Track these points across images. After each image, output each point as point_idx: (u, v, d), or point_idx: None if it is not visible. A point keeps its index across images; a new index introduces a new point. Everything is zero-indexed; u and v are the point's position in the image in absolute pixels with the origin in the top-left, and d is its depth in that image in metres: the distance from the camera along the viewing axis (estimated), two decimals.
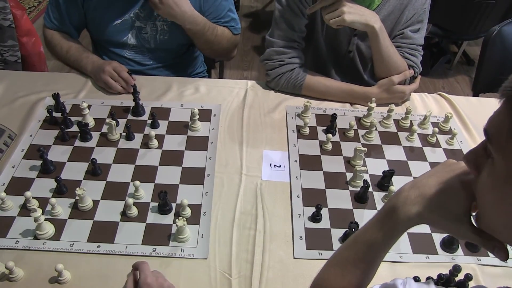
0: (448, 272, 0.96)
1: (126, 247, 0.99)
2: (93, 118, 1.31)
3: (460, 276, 0.96)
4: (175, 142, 1.27)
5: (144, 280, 0.83)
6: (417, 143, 1.35)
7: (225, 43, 1.60)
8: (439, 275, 0.97)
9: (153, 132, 1.23)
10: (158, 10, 1.38)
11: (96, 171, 1.15)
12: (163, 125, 1.32)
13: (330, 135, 1.28)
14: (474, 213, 0.63)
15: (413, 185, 0.69)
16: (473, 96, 1.90)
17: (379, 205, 1.15)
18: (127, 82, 1.40)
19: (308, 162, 1.25)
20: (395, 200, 0.69)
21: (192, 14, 1.43)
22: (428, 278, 0.96)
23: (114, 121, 1.23)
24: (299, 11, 1.37)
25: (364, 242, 0.73)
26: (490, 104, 1.55)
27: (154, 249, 0.99)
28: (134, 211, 1.06)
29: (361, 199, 1.15)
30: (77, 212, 1.06)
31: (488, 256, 1.05)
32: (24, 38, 2.20)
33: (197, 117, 1.29)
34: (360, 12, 1.27)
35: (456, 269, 0.94)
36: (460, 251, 1.06)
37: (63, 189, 1.10)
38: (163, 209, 1.07)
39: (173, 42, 1.55)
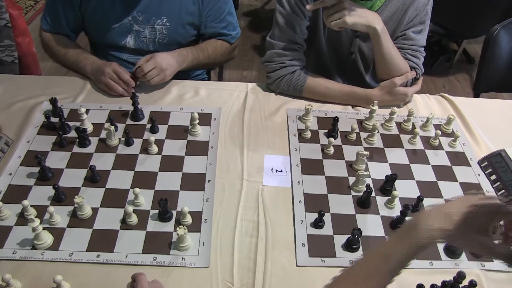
0: (452, 279, 0.94)
1: (126, 256, 0.98)
2: (92, 123, 1.29)
3: (464, 283, 0.94)
4: (175, 147, 1.25)
5: None
6: (419, 145, 1.33)
7: (220, 57, 1.62)
8: (443, 282, 0.96)
9: (152, 138, 1.21)
10: (166, 78, 1.41)
11: (95, 178, 1.13)
12: (162, 129, 1.30)
13: (332, 139, 1.26)
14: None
15: (436, 206, 0.71)
16: (474, 95, 1.89)
17: (382, 210, 1.13)
18: (128, 84, 1.38)
19: (310, 167, 1.23)
20: (417, 218, 0.70)
21: (179, 56, 1.45)
22: (432, 286, 0.94)
23: (112, 127, 1.22)
24: (300, 12, 1.35)
25: (379, 254, 0.71)
26: (492, 106, 1.54)
27: (154, 258, 0.98)
28: (134, 219, 1.04)
29: (363, 204, 1.14)
30: (76, 220, 1.04)
31: (492, 261, 1.03)
32: (20, 38, 2.19)
33: (197, 121, 1.28)
34: (361, 13, 1.25)
35: (460, 276, 0.93)
36: (464, 256, 1.04)
37: (62, 196, 1.08)
38: (164, 217, 1.05)
39: (172, 45, 1.53)
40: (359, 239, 1.02)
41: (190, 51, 1.50)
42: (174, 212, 1.07)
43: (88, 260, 0.97)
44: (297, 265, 1.00)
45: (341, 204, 1.14)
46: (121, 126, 1.30)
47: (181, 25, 1.51)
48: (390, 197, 1.14)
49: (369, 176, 1.20)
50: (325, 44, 1.47)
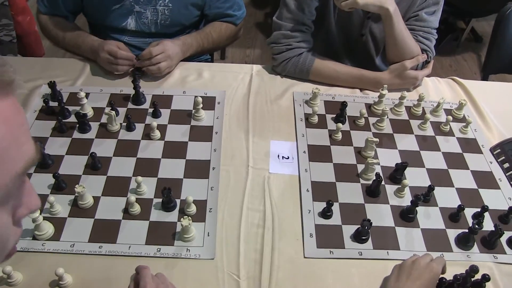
0: (464, 272, 0.92)
1: (129, 247, 0.95)
2: (92, 108, 1.25)
3: (477, 277, 0.92)
4: (178, 133, 1.21)
5: None
6: (429, 131, 1.29)
7: (225, 41, 1.57)
8: (455, 277, 0.93)
9: (155, 123, 1.17)
10: (171, 67, 1.39)
11: (96, 165, 1.10)
12: (165, 114, 1.26)
13: (340, 124, 1.22)
14: None
15: None
16: (482, 77, 1.84)
17: (392, 199, 1.10)
18: (127, 59, 1.32)
19: (318, 153, 1.20)
20: None
21: (184, 45, 1.41)
22: (442, 279, 0.92)
23: (113, 112, 1.17)
24: None
25: None
26: (506, 90, 1.49)
27: (158, 249, 0.95)
28: (136, 209, 1.01)
29: (373, 193, 1.10)
30: (77, 210, 1.01)
31: (505, 253, 1.01)
32: (20, 17, 2.12)
33: (201, 105, 1.23)
34: None
35: (473, 269, 0.90)
36: (476, 248, 1.02)
37: (62, 185, 1.05)
38: (167, 206, 1.02)
39: (174, 27, 1.47)
40: (369, 230, 0.99)
41: (195, 39, 1.45)
42: (178, 201, 1.04)
43: (90, 251, 0.94)
44: (304, 257, 0.97)
45: (350, 192, 1.11)
46: (122, 111, 1.26)
47: (184, 6, 1.44)
48: (400, 186, 1.11)
49: (378, 164, 1.17)
50: (334, 25, 1.41)
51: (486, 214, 1.07)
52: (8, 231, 0.45)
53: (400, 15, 1.26)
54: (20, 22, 2.12)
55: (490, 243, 1.02)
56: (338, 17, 1.38)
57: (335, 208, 1.06)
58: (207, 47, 1.51)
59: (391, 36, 1.28)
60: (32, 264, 0.92)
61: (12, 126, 0.42)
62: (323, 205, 1.04)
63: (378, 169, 1.16)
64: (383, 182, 1.12)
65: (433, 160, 1.21)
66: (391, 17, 1.23)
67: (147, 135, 1.19)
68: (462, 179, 1.16)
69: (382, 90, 1.30)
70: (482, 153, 1.24)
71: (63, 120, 1.19)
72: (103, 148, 1.15)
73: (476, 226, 0.99)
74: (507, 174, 1.18)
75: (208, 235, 0.98)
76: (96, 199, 1.04)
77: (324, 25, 1.41)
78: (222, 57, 2.63)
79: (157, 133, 1.19)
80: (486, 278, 0.90)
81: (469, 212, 1.08)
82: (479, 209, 1.06)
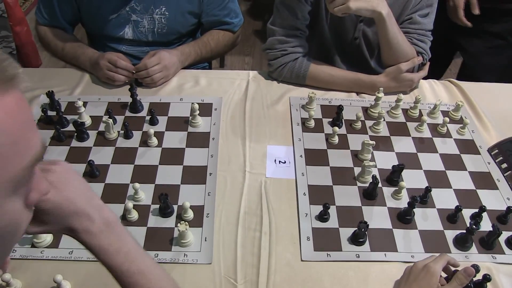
0: None
1: None
2: (90, 116, 1.26)
3: (478, 276, 0.91)
4: (175, 139, 1.22)
5: None
6: (426, 133, 1.29)
7: (223, 48, 1.58)
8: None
9: (152, 130, 1.18)
10: (168, 77, 1.40)
11: (94, 173, 1.10)
12: (162, 121, 1.27)
13: (336, 128, 1.23)
14: None
15: None
16: None
17: (389, 201, 1.10)
18: (127, 69, 1.34)
19: (314, 157, 1.20)
20: None
21: (182, 55, 1.43)
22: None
23: (111, 120, 1.19)
24: None
25: None
26: (502, 91, 1.49)
27: (156, 255, 0.95)
28: (134, 215, 1.02)
29: (370, 195, 1.10)
30: None
31: (504, 253, 1.01)
32: (17, 28, 2.14)
33: (198, 112, 1.24)
34: None
35: (475, 269, 0.89)
36: (474, 248, 1.02)
37: None
38: (165, 212, 1.03)
39: (171, 35, 1.49)
40: (366, 232, 0.99)
41: (193, 48, 1.46)
42: (175, 207, 1.05)
43: (89, 258, 0.94)
44: (302, 260, 0.97)
45: (347, 195, 1.11)
46: (119, 119, 1.27)
47: (181, 14, 1.46)
48: (397, 188, 1.11)
49: (375, 166, 1.17)
50: (327, 29, 1.42)
51: (484, 215, 1.06)
52: (22, 216, 0.48)
53: (393, 18, 1.26)
54: (18, 32, 2.14)
55: (488, 244, 1.02)
56: (331, 21, 1.39)
57: (332, 211, 1.06)
58: (206, 55, 1.52)
59: (385, 39, 1.29)
60: (31, 271, 0.92)
61: (19, 120, 0.42)
62: (320, 208, 1.05)
63: (375, 171, 1.16)
64: (380, 185, 1.12)
65: (430, 161, 1.21)
66: (384, 20, 1.23)
67: (144, 142, 1.20)
68: (460, 180, 1.16)
69: (378, 93, 1.30)
70: (479, 154, 1.24)
71: (61, 129, 1.20)
72: (101, 155, 1.16)
73: (474, 226, 0.98)
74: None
75: (205, 240, 0.99)
76: None
77: (317, 29, 1.42)
78: (221, 65, 2.65)
79: (155, 140, 1.20)
80: (487, 278, 0.90)
81: (467, 213, 1.08)
82: (477, 210, 1.06)
